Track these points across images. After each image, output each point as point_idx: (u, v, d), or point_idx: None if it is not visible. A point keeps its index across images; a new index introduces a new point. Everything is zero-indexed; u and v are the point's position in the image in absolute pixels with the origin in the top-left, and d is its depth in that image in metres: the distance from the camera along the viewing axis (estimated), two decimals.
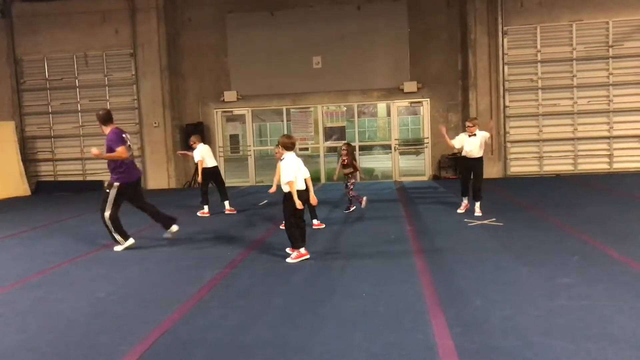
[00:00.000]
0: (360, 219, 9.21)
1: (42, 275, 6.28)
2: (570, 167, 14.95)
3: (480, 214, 8.82)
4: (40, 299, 5.36)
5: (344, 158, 9.72)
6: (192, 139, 10.54)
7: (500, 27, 14.62)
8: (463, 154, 9.15)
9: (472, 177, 9.06)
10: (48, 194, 15.86)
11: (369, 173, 17.80)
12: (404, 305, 4.69)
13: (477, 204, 8.98)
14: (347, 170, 9.72)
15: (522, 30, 14.85)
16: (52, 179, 16.77)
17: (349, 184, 9.79)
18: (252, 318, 4.52)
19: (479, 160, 8.98)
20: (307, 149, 21.30)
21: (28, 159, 16.62)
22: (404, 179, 15.93)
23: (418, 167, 16.97)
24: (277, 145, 6.68)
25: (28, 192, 15.89)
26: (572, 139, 14.93)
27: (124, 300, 5.20)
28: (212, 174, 10.39)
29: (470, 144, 8.96)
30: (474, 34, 14.75)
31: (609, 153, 14.83)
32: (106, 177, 16.23)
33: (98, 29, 15.99)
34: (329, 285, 5.38)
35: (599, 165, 14.88)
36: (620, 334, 3.87)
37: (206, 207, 10.28)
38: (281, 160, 6.37)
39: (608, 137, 14.80)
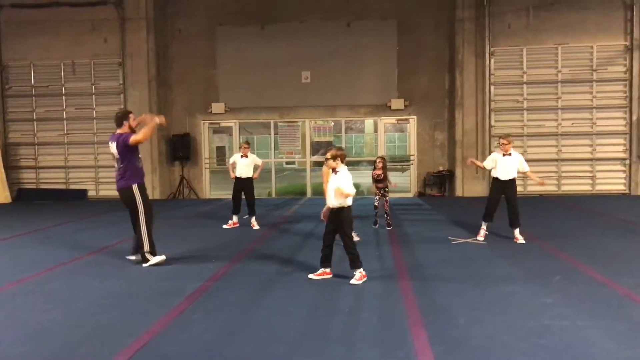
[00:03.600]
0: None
1: (20, 284, 6.17)
2: (553, 188, 15.09)
3: (524, 241, 8.13)
4: (17, 308, 5.25)
5: (380, 172, 9.38)
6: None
7: (487, 47, 14.82)
8: (494, 174, 8.36)
9: (506, 201, 8.24)
10: (29, 201, 15.63)
11: (355, 189, 17.81)
12: (386, 322, 4.67)
13: (517, 231, 8.28)
14: (381, 185, 9.46)
15: (509, 51, 15.05)
16: (34, 186, 16.54)
17: (385, 198, 9.50)
18: (232, 332, 4.47)
19: (513, 182, 8.22)
20: (293, 162, 21.31)
21: (10, 166, 16.39)
22: (389, 195, 15.92)
23: (403, 184, 17.03)
24: (334, 159, 6.13)
25: (9, 200, 15.64)
26: (556, 160, 15.10)
27: (104, 311, 5.11)
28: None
29: (505, 164, 8.20)
30: (461, 54, 14.93)
31: (592, 175, 15.02)
32: (90, 186, 16.25)
33: (87, 37, 15.91)
34: (311, 300, 5.35)
35: (582, 186, 15.05)
36: (601, 355, 3.88)
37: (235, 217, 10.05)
38: (335, 172, 6.09)
39: (591, 159, 15.00)
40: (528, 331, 4.38)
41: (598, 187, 14.97)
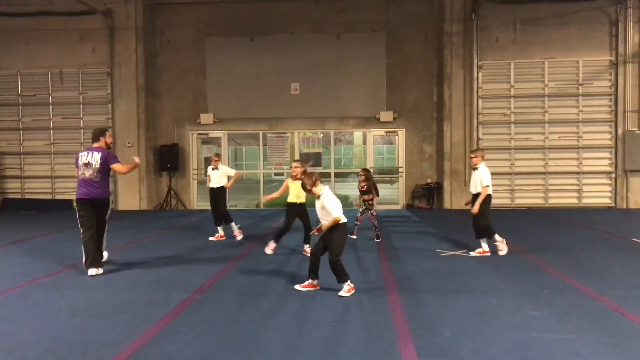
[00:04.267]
0: None
1: (2, 295, 6.06)
2: (541, 201, 15.20)
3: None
4: None
5: (363, 184, 9.45)
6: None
7: (475, 61, 14.96)
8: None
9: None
10: (14, 212, 15.43)
11: (344, 200, 17.82)
12: (374, 334, 4.64)
13: (482, 242, 8.24)
14: (367, 197, 9.47)
15: (497, 65, 15.21)
16: (19, 196, 16.35)
17: (370, 211, 9.50)
18: (219, 345, 4.42)
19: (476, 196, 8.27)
20: (282, 174, 21.26)
21: None
22: (377, 207, 15.91)
23: (392, 196, 17.06)
24: (314, 184, 6.03)
25: None
26: (543, 173, 15.22)
27: (88, 323, 5.04)
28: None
29: (473, 178, 8.38)
30: (449, 67, 15.06)
31: (578, 188, 15.14)
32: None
33: (75, 46, 15.85)
34: (299, 313, 5.31)
35: (568, 199, 15.16)
36: None
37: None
38: (319, 197, 6.00)
39: (577, 173, 15.14)
40: (515, 344, 4.37)
41: (584, 201, 15.09)
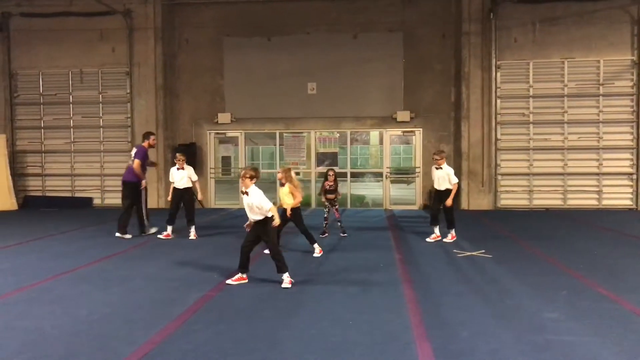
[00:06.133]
0: (348, 246, 9.16)
1: (23, 291, 6.17)
2: (559, 202, 15.02)
3: (450, 241, 9.30)
4: (20, 315, 5.25)
5: (332, 183, 9.86)
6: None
7: (493, 61, 14.83)
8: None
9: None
10: (35, 209, 15.69)
11: (360, 200, 17.82)
12: (390, 334, 4.64)
13: (452, 231, 9.47)
14: (331, 196, 9.88)
15: (515, 65, 15.06)
16: (40, 194, 16.60)
17: (335, 207, 9.95)
18: (235, 343, 4.45)
19: (447, 192, 9.44)
20: (298, 173, 21.32)
21: (17, 173, 16.47)
22: (394, 207, 15.93)
23: (409, 196, 17.00)
24: (251, 178, 6.41)
25: (15, 207, 15.70)
26: (562, 174, 15.04)
27: (106, 319, 5.11)
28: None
29: (435, 177, 9.65)
30: (467, 67, 14.95)
31: (598, 189, 14.93)
32: (96, 194, 16.32)
33: (95, 46, 16.04)
34: (315, 312, 5.33)
35: (588, 201, 14.96)
36: None
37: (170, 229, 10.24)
38: (247, 194, 6.35)
39: (597, 174, 14.93)
40: (532, 346, 4.34)
41: (604, 202, 14.88)
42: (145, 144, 10.19)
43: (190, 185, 10.21)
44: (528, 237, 10.02)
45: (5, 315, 5.26)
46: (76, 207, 15.84)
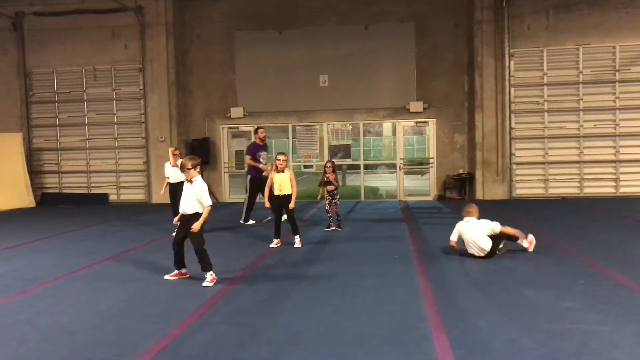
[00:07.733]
0: (363, 238, 9.16)
1: (43, 287, 6.26)
2: (576, 190, 14.87)
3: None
4: (41, 310, 5.33)
5: (330, 175, 9.80)
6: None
7: (507, 49, 14.67)
8: None
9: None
10: (52, 206, 15.89)
11: (374, 192, 17.78)
12: (406, 325, 4.64)
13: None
14: (330, 188, 9.80)
15: (529, 52, 14.89)
16: (57, 191, 16.80)
17: (335, 201, 9.85)
18: (253, 335, 4.48)
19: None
20: (311, 166, 21.33)
21: (34, 171, 16.68)
22: (408, 198, 15.89)
23: (423, 187, 16.93)
24: (194, 167, 6.32)
25: (33, 204, 15.92)
26: (578, 162, 14.87)
27: (125, 313, 5.17)
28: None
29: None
30: (480, 56, 14.82)
31: (615, 177, 14.75)
32: (111, 190, 16.44)
33: (107, 43, 16.15)
34: (331, 304, 5.34)
35: (605, 189, 14.79)
36: None
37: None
38: (192, 182, 6.26)
39: (614, 161, 14.74)
40: (550, 335, 4.31)
41: (622, 190, 14.70)
42: (256, 138, 11.33)
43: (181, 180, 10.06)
44: (544, 226, 9.93)
45: (26, 310, 5.34)
46: (92, 204, 16.01)
